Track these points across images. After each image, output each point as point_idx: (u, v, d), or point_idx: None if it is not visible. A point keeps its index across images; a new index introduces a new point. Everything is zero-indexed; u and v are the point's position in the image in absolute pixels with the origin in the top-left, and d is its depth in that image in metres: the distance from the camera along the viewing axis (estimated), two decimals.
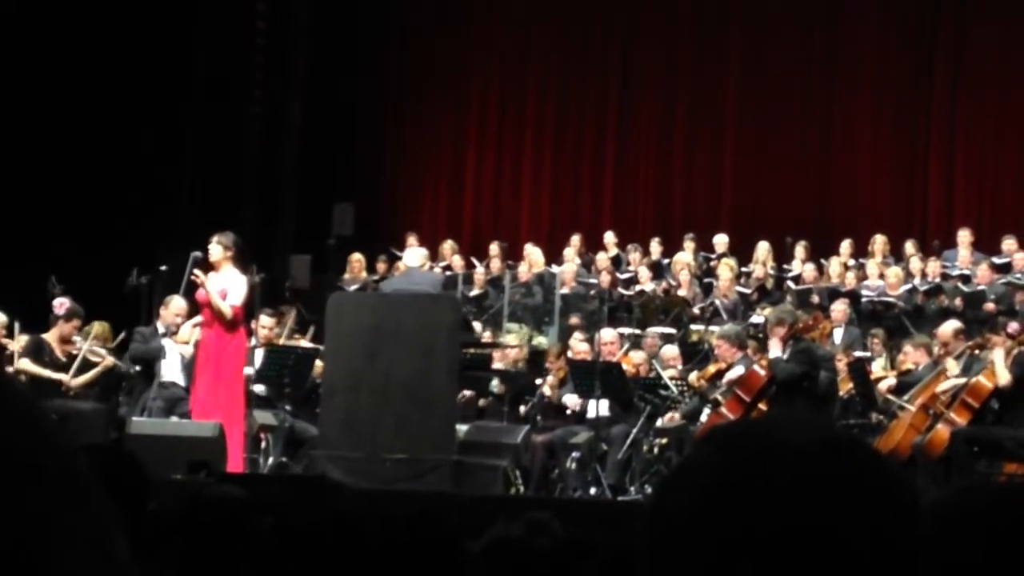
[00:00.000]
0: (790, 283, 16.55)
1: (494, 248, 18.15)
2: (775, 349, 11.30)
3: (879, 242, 16.91)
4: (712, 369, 12.15)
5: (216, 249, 11.28)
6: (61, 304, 12.22)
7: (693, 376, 12.43)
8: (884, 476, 1.11)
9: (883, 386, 12.06)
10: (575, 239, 18.06)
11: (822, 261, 16.89)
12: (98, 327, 12.69)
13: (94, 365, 12.12)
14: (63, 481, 0.75)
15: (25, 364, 11.85)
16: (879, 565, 1.07)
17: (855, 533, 1.07)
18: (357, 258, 17.14)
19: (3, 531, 0.70)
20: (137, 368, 12.23)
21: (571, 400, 12.73)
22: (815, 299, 15.69)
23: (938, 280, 15.79)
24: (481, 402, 13.31)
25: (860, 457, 1.12)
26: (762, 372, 11.42)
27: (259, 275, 13.56)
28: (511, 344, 13.91)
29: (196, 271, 11.29)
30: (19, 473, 0.73)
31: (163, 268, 13.04)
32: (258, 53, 18.75)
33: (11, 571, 0.70)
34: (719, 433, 1.15)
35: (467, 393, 12.89)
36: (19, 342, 12.09)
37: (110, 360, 12.24)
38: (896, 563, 1.07)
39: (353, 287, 16.38)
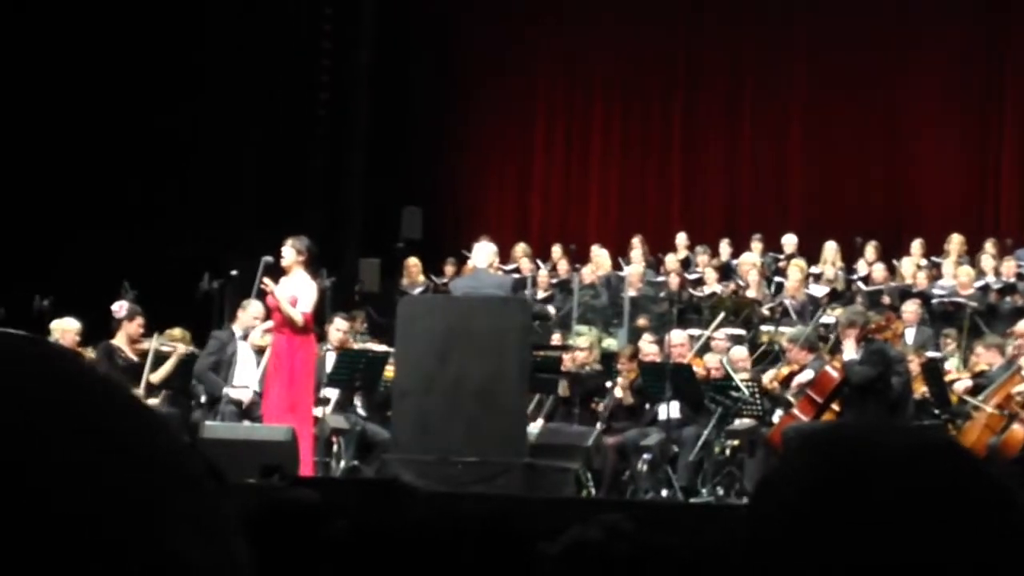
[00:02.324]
0: (860, 284, 16.40)
1: (557, 251, 18.14)
2: (849, 351, 11.21)
3: (955, 242, 16.71)
4: (785, 371, 12.09)
5: (289, 252, 11.29)
6: (121, 307, 12.29)
7: (767, 377, 12.38)
8: (985, 482, 1.09)
9: (959, 387, 11.92)
10: (635, 241, 17.97)
11: (893, 261, 16.72)
12: (179, 332, 12.68)
13: (167, 358, 12.20)
14: (178, 472, 0.75)
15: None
16: (984, 574, 1.04)
17: (956, 540, 1.05)
18: (413, 262, 17.05)
19: (119, 516, 0.71)
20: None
21: None
22: (886, 299, 15.56)
23: (1012, 279, 15.60)
24: (548, 403, 13.27)
25: (960, 464, 1.10)
26: (835, 373, 11.34)
27: (328, 279, 13.64)
28: (581, 347, 13.82)
29: (265, 279, 11.32)
30: (134, 462, 0.73)
31: (234, 273, 13.13)
32: (324, 56, 18.84)
33: (125, 553, 0.70)
34: (815, 438, 1.13)
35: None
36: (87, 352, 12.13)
37: (183, 348, 12.29)
38: (1001, 571, 1.05)
39: (416, 291, 16.39)
